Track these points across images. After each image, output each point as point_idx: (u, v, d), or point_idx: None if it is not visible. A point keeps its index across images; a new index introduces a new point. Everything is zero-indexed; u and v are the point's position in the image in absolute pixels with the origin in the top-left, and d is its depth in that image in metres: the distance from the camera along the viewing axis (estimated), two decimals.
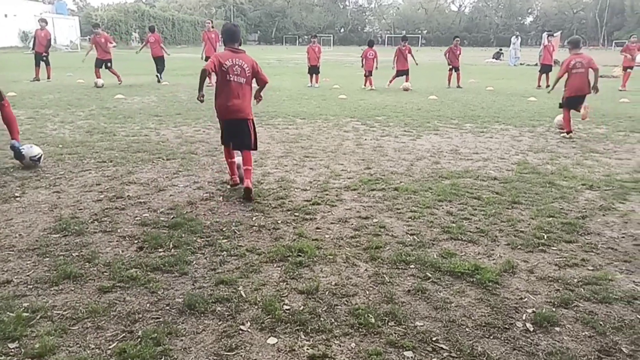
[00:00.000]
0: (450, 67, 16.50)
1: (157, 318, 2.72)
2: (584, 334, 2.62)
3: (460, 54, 16.49)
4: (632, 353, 2.45)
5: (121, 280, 3.10)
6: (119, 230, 3.92)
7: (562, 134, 8.20)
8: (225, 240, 3.76)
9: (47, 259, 3.40)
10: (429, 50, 63.39)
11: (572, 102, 8.23)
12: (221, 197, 4.79)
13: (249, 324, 2.68)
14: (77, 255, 3.45)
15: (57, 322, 2.64)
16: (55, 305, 2.81)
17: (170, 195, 4.85)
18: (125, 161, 6.09)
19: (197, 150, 6.80)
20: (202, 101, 5.01)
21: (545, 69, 16.51)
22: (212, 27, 16.38)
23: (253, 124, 4.94)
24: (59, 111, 9.93)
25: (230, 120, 4.89)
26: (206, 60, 14.15)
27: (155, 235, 3.79)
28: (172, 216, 4.25)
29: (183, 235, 3.83)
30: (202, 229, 3.96)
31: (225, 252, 3.54)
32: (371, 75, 16.37)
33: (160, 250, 3.57)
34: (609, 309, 2.86)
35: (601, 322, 2.71)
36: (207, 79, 5.35)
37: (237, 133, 4.88)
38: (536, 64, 24.90)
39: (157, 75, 16.47)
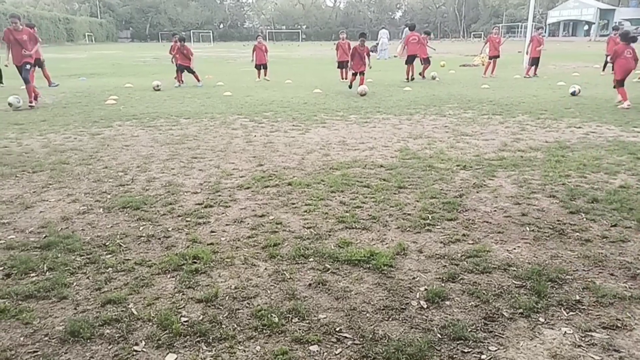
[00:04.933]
0: (339, 61, 16.83)
1: (35, 352, 2.41)
2: (470, 304, 2.84)
3: (349, 48, 16.92)
4: (511, 316, 2.71)
5: None
6: None
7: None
8: (110, 256, 3.45)
9: None
10: (310, 45, 64.74)
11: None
12: (101, 209, 4.40)
13: (143, 343, 2.48)
14: None
15: None
16: None
17: (40, 212, 4.34)
18: None
19: (69, 159, 6.17)
20: None
21: (410, 59, 17.54)
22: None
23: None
24: None
25: (180, 65, 14.90)
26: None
27: (25, 258, 3.36)
28: (44, 235, 3.80)
29: (59, 255, 3.44)
30: (82, 245, 3.59)
31: (110, 269, 3.25)
32: (265, 67, 17.09)
33: (32, 275, 3.17)
34: (489, 278, 3.13)
35: (484, 291, 2.95)
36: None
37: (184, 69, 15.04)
38: (394, 56, 26.14)
39: None
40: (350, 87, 13.87)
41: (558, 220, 4.08)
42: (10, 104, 10.30)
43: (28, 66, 10.69)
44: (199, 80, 15.26)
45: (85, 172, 5.60)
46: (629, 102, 10.18)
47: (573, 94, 12.22)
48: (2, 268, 3.26)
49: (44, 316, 2.72)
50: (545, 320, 2.66)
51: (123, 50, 46.58)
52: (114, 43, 77.32)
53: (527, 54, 17.90)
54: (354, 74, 13.76)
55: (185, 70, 15.27)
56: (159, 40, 79.42)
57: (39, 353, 2.40)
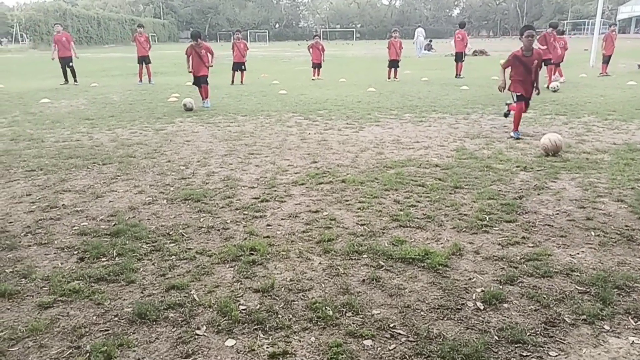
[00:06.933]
0: (391, 59, 16.62)
1: (106, 330, 2.58)
2: (530, 308, 2.76)
3: (401, 47, 16.75)
4: (574, 322, 2.61)
5: (62, 294, 2.92)
6: (55, 242, 3.69)
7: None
8: (173, 244, 3.62)
9: None
10: (364, 44, 64.48)
11: None
12: (165, 200, 4.62)
13: (204, 327, 2.60)
14: (11, 272, 3.20)
15: None
16: None
17: (110, 201, 4.62)
18: (57, 168, 5.73)
19: (135, 153, 6.51)
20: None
21: (458, 57, 17.15)
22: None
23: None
24: None
25: (197, 76, 10.63)
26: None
27: (97, 244, 3.59)
28: (113, 223, 4.05)
29: (127, 242, 3.65)
30: (147, 234, 3.80)
31: (174, 256, 3.42)
32: (319, 67, 17.14)
33: (103, 259, 3.39)
34: (550, 283, 3.02)
35: (545, 296, 2.86)
36: None
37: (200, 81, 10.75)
38: (451, 54, 25.35)
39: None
40: (506, 114, 8.20)
41: (626, 226, 3.87)
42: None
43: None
44: (205, 98, 10.73)
45: (150, 165, 5.90)
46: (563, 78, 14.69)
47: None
48: (76, 252, 3.51)
49: (114, 298, 2.90)
50: (610, 328, 2.55)
51: (183, 50, 48.30)
52: (175, 43, 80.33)
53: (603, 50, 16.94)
54: (523, 101, 7.17)
55: (202, 84, 10.77)
56: (217, 40, 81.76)
57: (109, 332, 2.57)
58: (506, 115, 8.15)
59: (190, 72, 10.95)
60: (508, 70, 7.21)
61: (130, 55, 16.42)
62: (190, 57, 10.76)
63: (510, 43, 52.75)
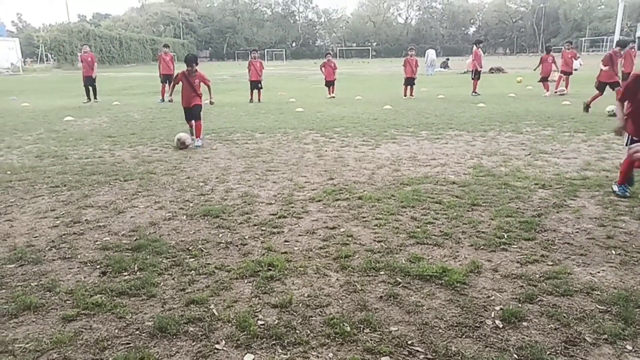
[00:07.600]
0: (407, 77, 16.74)
1: (127, 343, 2.63)
2: (550, 326, 2.73)
3: (417, 65, 16.88)
4: (595, 341, 2.58)
5: (86, 307, 2.99)
6: (79, 256, 3.78)
7: None
8: (193, 259, 3.68)
9: (4, 290, 3.22)
10: (380, 62, 64.89)
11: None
12: (184, 216, 4.70)
13: (224, 342, 2.63)
14: (36, 285, 3.29)
15: (19, 356, 2.50)
16: (17, 338, 2.67)
17: (131, 216, 4.72)
18: (80, 184, 5.87)
19: (156, 169, 6.65)
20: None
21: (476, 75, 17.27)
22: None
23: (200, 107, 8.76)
24: (4, 136, 9.50)
25: (189, 107, 8.61)
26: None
27: (119, 258, 3.67)
28: (134, 238, 4.13)
29: (148, 257, 3.72)
30: (168, 249, 3.87)
31: (193, 271, 3.47)
32: (332, 84, 17.30)
33: (124, 273, 3.46)
34: (570, 301, 2.99)
35: (564, 314, 2.83)
36: None
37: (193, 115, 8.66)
38: (465, 72, 25.18)
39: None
40: (631, 186, 5.24)
41: None
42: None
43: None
44: (198, 136, 8.47)
45: (170, 181, 6.01)
46: (549, 93, 16.08)
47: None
48: (99, 267, 3.59)
49: (135, 312, 2.96)
50: (633, 348, 2.51)
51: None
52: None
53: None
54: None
55: (193, 121, 8.65)
56: (235, 59, 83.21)
57: (131, 345, 2.62)
58: (624, 192, 5.06)
59: (169, 101, 11.00)
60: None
61: (150, 75, 16.78)
62: (181, 85, 8.60)
63: (526, 60, 52.55)
